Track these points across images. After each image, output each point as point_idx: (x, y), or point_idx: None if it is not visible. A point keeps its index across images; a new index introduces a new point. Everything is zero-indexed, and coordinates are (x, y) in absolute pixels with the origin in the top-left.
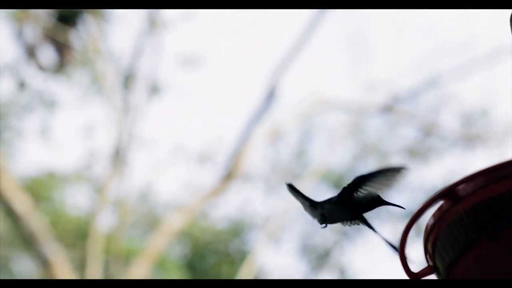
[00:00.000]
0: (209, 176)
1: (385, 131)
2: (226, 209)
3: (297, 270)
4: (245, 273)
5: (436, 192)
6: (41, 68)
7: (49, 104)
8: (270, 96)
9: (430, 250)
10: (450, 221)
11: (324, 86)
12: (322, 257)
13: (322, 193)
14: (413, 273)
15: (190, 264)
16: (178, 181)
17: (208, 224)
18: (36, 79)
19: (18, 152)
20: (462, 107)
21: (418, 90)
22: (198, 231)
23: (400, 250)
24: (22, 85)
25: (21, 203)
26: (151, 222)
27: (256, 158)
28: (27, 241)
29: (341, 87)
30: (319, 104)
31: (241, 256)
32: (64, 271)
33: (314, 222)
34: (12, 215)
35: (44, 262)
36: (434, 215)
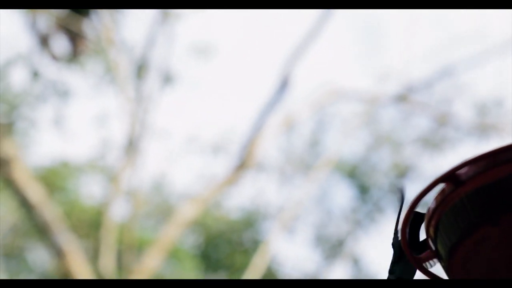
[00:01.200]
0: (222, 166)
1: (398, 121)
2: (240, 199)
3: (310, 260)
4: (257, 263)
5: (438, 176)
6: (54, 57)
7: (63, 94)
8: (283, 86)
9: (432, 234)
10: (452, 205)
11: (337, 76)
12: (335, 247)
13: (334, 184)
14: (415, 257)
15: (204, 254)
16: (191, 171)
17: (222, 214)
18: (50, 69)
19: (32, 142)
20: (476, 97)
21: (432, 79)
22: (212, 221)
23: (402, 234)
24: (35, 75)
25: (35, 193)
26: (165, 213)
27: (269, 148)
28: (40, 231)
29: (355, 76)
30: (332, 94)
31: (255, 246)
32: (77, 261)
33: (328, 213)
34: (26, 205)
35: (58, 252)
36: (436, 199)
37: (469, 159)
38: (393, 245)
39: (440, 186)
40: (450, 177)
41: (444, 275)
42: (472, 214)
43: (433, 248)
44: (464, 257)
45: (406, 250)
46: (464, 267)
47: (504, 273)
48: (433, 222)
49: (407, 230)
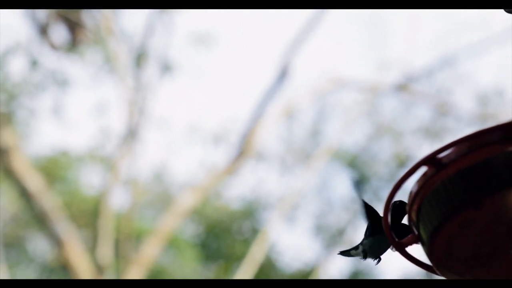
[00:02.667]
0: (222, 156)
1: (399, 111)
2: (240, 189)
3: (310, 250)
4: (256, 252)
5: (419, 159)
6: (53, 47)
7: (62, 83)
8: (283, 75)
9: (415, 218)
10: (434, 188)
11: (338, 65)
12: (335, 236)
13: (334, 172)
14: (397, 241)
15: (204, 244)
16: (192, 161)
17: (222, 204)
18: (49, 58)
19: (32, 131)
20: (477, 87)
21: (433, 69)
22: (212, 210)
23: (384, 218)
24: (34, 64)
25: (34, 183)
26: (165, 202)
27: (270, 138)
28: (40, 221)
29: (355, 66)
30: (333, 83)
31: (255, 236)
32: (76, 251)
33: (328, 202)
34: (25, 194)
35: (57, 242)
36: (418, 181)
37: (450, 142)
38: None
39: (423, 169)
40: (431, 160)
41: (426, 260)
42: (454, 197)
43: (416, 232)
44: (446, 241)
45: (388, 234)
46: (446, 251)
47: (487, 257)
48: (415, 206)
49: (389, 214)
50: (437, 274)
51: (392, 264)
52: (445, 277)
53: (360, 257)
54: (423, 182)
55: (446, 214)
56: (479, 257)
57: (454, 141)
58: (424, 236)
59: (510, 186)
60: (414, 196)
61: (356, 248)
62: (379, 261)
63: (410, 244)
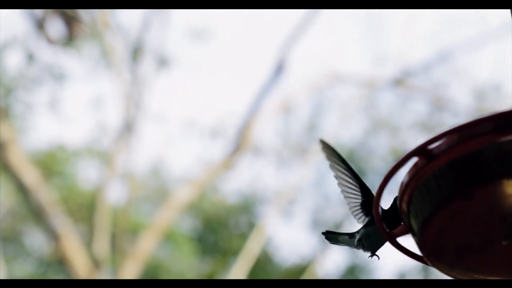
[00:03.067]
0: (219, 150)
1: (396, 106)
2: (237, 183)
3: (307, 244)
4: (252, 247)
5: (410, 150)
6: (50, 41)
7: (58, 77)
8: (280, 69)
9: (405, 209)
10: (425, 179)
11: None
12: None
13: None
14: (388, 232)
15: (201, 238)
16: (189, 155)
17: (219, 198)
18: (45, 52)
19: (29, 126)
20: (474, 81)
21: (430, 64)
22: (209, 205)
23: (375, 208)
24: (31, 58)
25: (30, 176)
26: (162, 196)
27: (267, 132)
28: (36, 215)
29: (352, 60)
30: (329, 77)
31: (252, 230)
32: (72, 245)
33: (325, 196)
34: (22, 188)
35: (53, 236)
36: (408, 172)
37: (441, 133)
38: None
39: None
40: (422, 151)
41: (417, 250)
42: (445, 188)
43: (406, 223)
44: (437, 232)
45: (379, 225)
46: (437, 242)
47: (477, 248)
48: (405, 197)
49: (380, 204)
50: (428, 265)
51: (388, 259)
52: (436, 268)
53: (352, 246)
54: (414, 173)
55: (437, 205)
56: (469, 248)
57: (445, 131)
58: (414, 227)
59: (501, 177)
60: (404, 187)
61: (351, 235)
62: (373, 255)
63: (401, 234)
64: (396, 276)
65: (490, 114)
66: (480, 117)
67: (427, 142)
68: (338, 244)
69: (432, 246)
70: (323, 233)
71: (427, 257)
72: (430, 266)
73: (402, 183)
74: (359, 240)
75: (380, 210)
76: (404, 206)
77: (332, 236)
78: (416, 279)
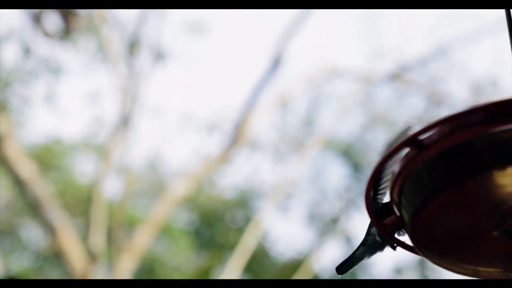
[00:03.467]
0: (216, 144)
1: (393, 100)
2: (234, 178)
3: (303, 238)
4: (248, 240)
5: (401, 140)
6: (46, 34)
7: (55, 70)
8: (277, 63)
9: (396, 199)
10: (416, 169)
11: (332, 54)
12: (329, 225)
13: (328, 162)
14: (380, 223)
15: (198, 232)
16: (186, 149)
17: (216, 193)
18: (42, 46)
19: (25, 119)
20: (471, 76)
21: (427, 58)
22: (206, 199)
23: (366, 199)
24: (27, 51)
25: (27, 170)
26: (159, 191)
27: (264, 126)
28: (33, 208)
29: (349, 55)
30: (326, 72)
31: (249, 224)
32: (68, 238)
33: (322, 191)
34: (19, 182)
35: (50, 229)
36: (399, 163)
37: (432, 123)
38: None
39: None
40: (413, 141)
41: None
42: (436, 178)
43: (398, 213)
44: (427, 222)
45: (370, 215)
46: (427, 232)
47: (468, 239)
48: (397, 187)
49: (371, 195)
50: (419, 255)
51: (384, 253)
52: (427, 258)
53: (370, 251)
54: (405, 163)
55: (428, 195)
56: (460, 239)
57: (436, 121)
58: (405, 217)
59: (492, 168)
60: (396, 177)
61: (363, 243)
62: (394, 247)
63: (393, 225)
64: (392, 270)
65: (481, 105)
66: (471, 107)
67: (418, 132)
68: (358, 262)
69: (423, 237)
70: (338, 272)
71: (418, 247)
72: (421, 256)
73: (393, 173)
74: (380, 236)
75: (373, 202)
76: (395, 197)
77: (348, 264)
78: (416, 279)
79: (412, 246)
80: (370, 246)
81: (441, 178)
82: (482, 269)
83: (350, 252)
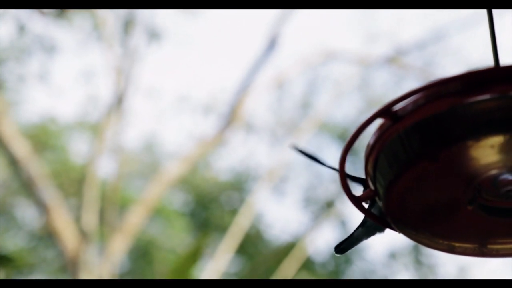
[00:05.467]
0: (212, 126)
1: (389, 84)
2: (229, 160)
3: (298, 222)
4: (242, 222)
5: (375, 111)
6: (41, 12)
7: (49, 49)
8: (273, 45)
9: (371, 172)
10: (390, 141)
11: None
12: (324, 209)
13: (322, 145)
14: (355, 196)
15: (192, 213)
16: (181, 131)
17: (211, 175)
18: (37, 24)
19: (20, 98)
20: (467, 60)
21: (423, 42)
22: (201, 181)
23: (340, 172)
24: (22, 29)
25: (20, 148)
26: (154, 172)
27: (259, 109)
28: (26, 187)
29: (345, 38)
30: (322, 54)
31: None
32: (61, 218)
33: (317, 174)
34: (13, 161)
35: (43, 209)
36: (374, 134)
37: (406, 93)
38: None
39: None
40: (387, 112)
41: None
42: (410, 150)
43: (372, 186)
44: (402, 195)
45: (345, 189)
46: (402, 205)
47: (443, 212)
48: (371, 159)
49: (345, 167)
50: (394, 229)
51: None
52: (402, 233)
53: (368, 233)
54: (379, 135)
55: (402, 167)
56: (435, 213)
57: (410, 91)
58: (380, 190)
59: (467, 139)
60: (370, 149)
61: (362, 224)
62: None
63: (367, 198)
64: (386, 254)
65: (456, 75)
66: (446, 77)
67: (392, 102)
68: (357, 243)
69: (397, 210)
70: (336, 252)
71: (392, 220)
72: (396, 231)
73: (367, 145)
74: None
75: (345, 174)
76: (370, 169)
77: (345, 244)
78: (416, 279)
79: (386, 220)
80: (369, 227)
81: (416, 149)
82: (457, 244)
83: (345, 236)
